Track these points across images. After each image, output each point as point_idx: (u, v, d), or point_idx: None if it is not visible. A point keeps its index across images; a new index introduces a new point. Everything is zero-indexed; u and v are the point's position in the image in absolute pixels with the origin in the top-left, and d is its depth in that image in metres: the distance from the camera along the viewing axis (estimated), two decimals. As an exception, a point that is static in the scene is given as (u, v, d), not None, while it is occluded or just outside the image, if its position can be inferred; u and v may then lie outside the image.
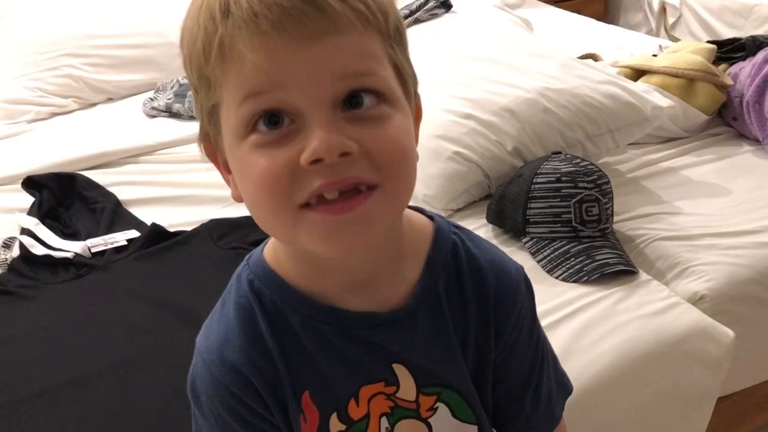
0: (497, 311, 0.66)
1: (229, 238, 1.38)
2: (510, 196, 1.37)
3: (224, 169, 0.59)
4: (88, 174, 1.62)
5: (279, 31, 0.49)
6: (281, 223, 0.54)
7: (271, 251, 0.64)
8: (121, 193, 1.55)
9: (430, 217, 0.67)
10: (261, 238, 1.37)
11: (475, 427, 0.69)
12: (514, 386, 0.70)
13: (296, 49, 0.49)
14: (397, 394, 0.64)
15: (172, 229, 1.41)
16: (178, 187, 1.59)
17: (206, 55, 0.52)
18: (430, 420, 0.66)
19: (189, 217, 1.45)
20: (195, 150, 1.75)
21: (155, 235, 1.38)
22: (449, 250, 0.65)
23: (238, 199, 0.58)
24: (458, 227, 0.68)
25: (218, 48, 0.51)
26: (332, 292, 0.61)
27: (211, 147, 0.59)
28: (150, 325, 1.16)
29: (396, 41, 0.55)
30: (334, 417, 0.63)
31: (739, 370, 1.30)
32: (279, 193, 0.51)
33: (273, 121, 0.51)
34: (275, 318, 0.61)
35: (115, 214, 1.48)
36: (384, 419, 0.65)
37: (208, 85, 0.54)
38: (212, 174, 1.70)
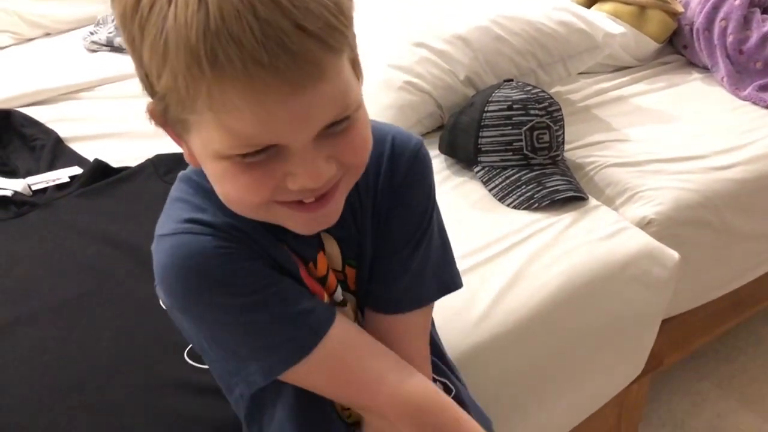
0: (396, 186, 0.70)
1: (176, 172, 1.33)
2: (462, 126, 1.36)
3: (176, 136, 0.58)
4: (25, 111, 1.55)
5: (269, 85, 0.49)
6: (252, 212, 0.59)
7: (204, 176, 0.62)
8: (62, 130, 1.49)
9: None
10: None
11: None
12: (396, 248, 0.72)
13: (286, 101, 0.51)
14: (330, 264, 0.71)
15: (116, 165, 1.36)
16: (122, 123, 1.54)
17: (187, 84, 0.50)
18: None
19: (133, 153, 1.40)
20: (138, 85, 1.70)
21: (99, 171, 1.34)
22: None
23: (195, 164, 0.59)
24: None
25: (205, 92, 0.50)
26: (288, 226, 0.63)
27: (161, 115, 0.57)
28: (95, 261, 1.13)
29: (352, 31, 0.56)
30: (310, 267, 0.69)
31: (683, 292, 1.33)
32: (256, 200, 0.57)
33: (257, 152, 0.54)
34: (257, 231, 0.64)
35: (56, 151, 1.42)
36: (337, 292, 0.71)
37: (181, 95, 0.51)
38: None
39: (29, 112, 1.54)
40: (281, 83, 0.49)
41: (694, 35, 1.73)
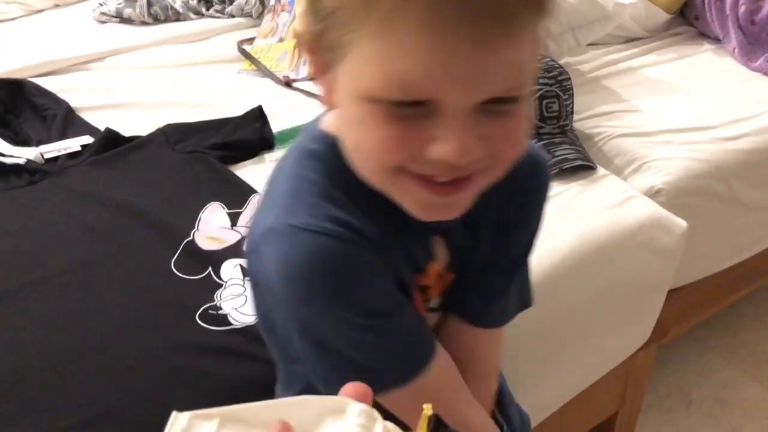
0: (523, 202, 0.68)
1: (187, 142, 1.35)
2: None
3: (320, 67, 0.53)
4: (36, 82, 1.55)
5: (454, 30, 0.44)
6: (378, 175, 0.53)
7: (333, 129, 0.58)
8: (73, 100, 1.49)
9: None
10: (219, 142, 1.36)
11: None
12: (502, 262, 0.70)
13: (466, 51, 0.45)
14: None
15: (127, 135, 1.37)
16: (132, 93, 1.54)
17: (357, 11, 0.46)
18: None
19: (143, 123, 1.41)
20: (148, 56, 1.71)
21: (110, 140, 1.35)
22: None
23: (331, 105, 0.54)
24: None
25: (383, 14, 0.45)
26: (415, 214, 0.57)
27: (312, 40, 0.52)
28: (108, 228, 1.15)
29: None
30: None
31: (690, 263, 1.34)
32: (390, 160, 0.50)
33: (410, 104, 0.48)
34: (366, 214, 0.58)
35: (67, 121, 1.43)
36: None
37: (352, 12, 0.47)
38: (166, 79, 1.66)
39: (40, 82, 1.55)
40: (468, 30, 0.44)
41: (706, 6, 1.72)
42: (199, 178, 1.26)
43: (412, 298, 0.64)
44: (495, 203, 0.64)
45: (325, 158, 0.58)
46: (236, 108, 1.45)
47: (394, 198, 0.54)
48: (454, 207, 0.54)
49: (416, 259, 0.64)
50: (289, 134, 1.39)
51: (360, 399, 0.35)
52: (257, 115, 1.42)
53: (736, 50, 1.66)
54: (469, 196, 0.54)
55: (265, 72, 1.62)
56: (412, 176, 0.51)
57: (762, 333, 1.77)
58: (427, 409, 0.32)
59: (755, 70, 1.62)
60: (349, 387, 0.36)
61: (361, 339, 0.59)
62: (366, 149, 0.51)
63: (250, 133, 1.37)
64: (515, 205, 0.67)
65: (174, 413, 0.32)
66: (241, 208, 1.18)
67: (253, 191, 1.21)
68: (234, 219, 1.16)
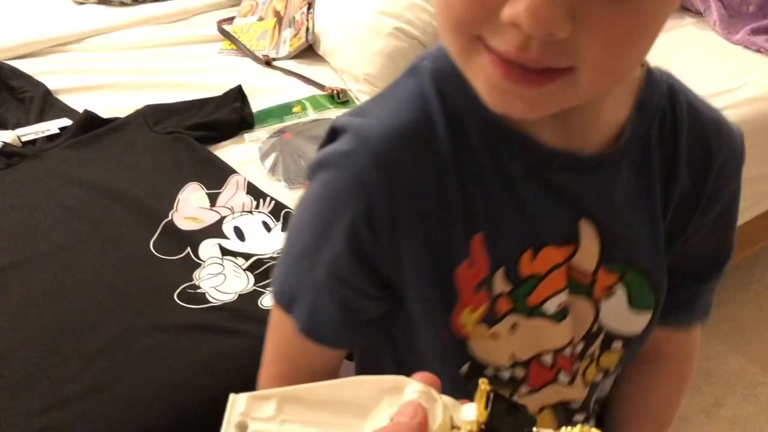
0: (716, 179, 0.53)
1: (166, 123, 1.34)
2: (451, 72, 1.35)
3: None
4: (13, 64, 1.54)
5: None
6: (456, 47, 0.42)
7: None
8: (50, 83, 1.48)
9: None
10: (199, 122, 1.35)
11: (648, 315, 0.56)
12: (683, 273, 0.58)
13: None
14: (575, 261, 0.52)
15: (105, 117, 1.36)
16: (111, 75, 1.53)
17: None
18: (601, 302, 0.54)
19: (122, 105, 1.40)
20: (127, 37, 1.69)
21: (88, 122, 1.34)
22: (665, 94, 0.51)
23: None
24: (671, 75, 0.54)
25: None
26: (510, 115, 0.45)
27: None
28: (87, 210, 1.14)
29: None
30: (500, 273, 0.50)
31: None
32: (464, 18, 0.40)
33: None
34: (457, 131, 0.48)
35: (45, 103, 1.42)
36: (562, 295, 0.52)
37: None
38: (145, 60, 1.65)
39: (17, 64, 1.53)
40: None
41: (688, -21, 1.72)
42: (178, 158, 1.25)
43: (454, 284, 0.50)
44: (682, 169, 0.52)
45: (437, 78, 0.48)
46: (216, 88, 1.44)
47: (473, 83, 0.42)
48: (532, 103, 0.41)
49: (519, 236, 0.50)
50: (269, 114, 1.39)
51: (428, 382, 0.33)
52: (237, 94, 1.41)
53: (717, 23, 1.66)
54: (556, 97, 0.40)
55: (245, 51, 1.61)
56: (486, 50, 0.40)
57: (745, 307, 1.79)
58: (484, 384, 0.31)
59: (736, 43, 1.62)
60: (419, 375, 0.34)
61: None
62: (441, 7, 0.41)
63: (230, 113, 1.36)
64: (711, 183, 0.53)
65: (232, 395, 0.32)
66: (220, 189, 1.18)
67: (232, 171, 1.21)
68: (213, 199, 1.16)
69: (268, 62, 1.56)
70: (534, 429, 0.31)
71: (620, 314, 0.55)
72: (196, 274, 1.01)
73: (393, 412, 0.30)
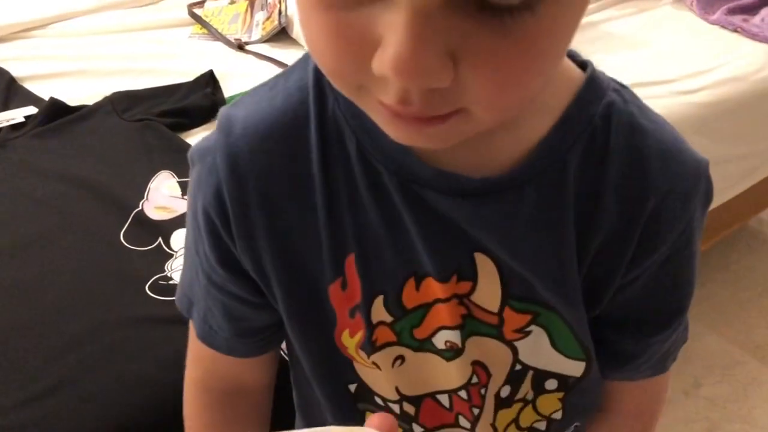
0: (652, 219, 0.44)
1: (135, 110, 1.31)
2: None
3: None
4: (-25, 51, 1.49)
5: None
6: (345, 90, 0.36)
7: None
8: (15, 70, 1.43)
9: (583, 64, 0.44)
10: (169, 109, 1.32)
11: (581, 364, 0.49)
12: (632, 322, 0.50)
13: None
14: (473, 297, 0.45)
15: (72, 104, 1.32)
16: (77, 61, 1.49)
17: None
18: (516, 343, 0.47)
19: (89, 91, 1.36)
20: (94, 21, 1.65)
21: (55, 110, 1.30)
22: (601, 111, 0.42)
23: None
24: (624, 87, 0.45)
25: None
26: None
27: None
28: (55, 201, 1.11)
29: None
30: (378, 302, 0.45)
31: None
32: (337, 69, 0.35)
33: None
34: (331, 138, 0.42)
35: (9, 91, 1.37)
36: (452, 333, 0.46)
37: None
38: (114, 46, 1.60)
39: (-21, 51, 1.49)
40: None
41: (664, -42, 1.70)
42: (148, 146, 1.22)
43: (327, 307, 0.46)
44: (608, 203, 0.43)
45: (319, 78, 0.43)
46: (187, 74, 1.41)
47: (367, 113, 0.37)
48: (433, 138, 0.35)
49: (412, 258, 0.44)
50: (241, 99, 1.36)
51: (385, 429, 0.32)
52: (208, 79, 1.38)
53: (694, 3, 1.65)
54: (455, 131, 0.35)
55: (216, 35, 1.57)
56: (375, 102, 0.34)
57: (723, 287, 1.80)
58: None
59: (713, 23, 1.61)
60: (375, 418, 0.33)
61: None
62: (312, 54, 0.36)
63: (202, 99, 1.33)
64: (646, 223, 0.44)
65: None
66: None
67: (204, 158, 1.18)
68: (185, 187, 1.13)
69: (240, 46, 1.53)
70: None
71: (543, 354, 0.48)
72: (168, 265, 0.99)
73: None
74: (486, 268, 0.44)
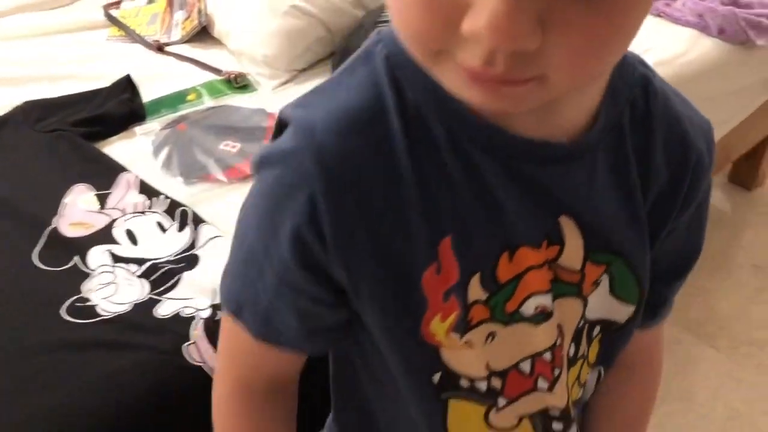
0: (693, 175, 0.51)
1: (48, 119, 1.24)
2: (353, 50, 1.29)
3: None
4: None
5: None
6: (418, 54, 0.39)
7: None
8: None
9: None
10: (86, 117, 1.26)
11: (630, 308, 0.53)
12: (660, 271, 0.55)
13: None
14: (560, 260, 0.48)
15: (-20, 115, 1.25)
16: (-16, 69, 1.41)
17: None
18: (589, 297, 0.51)
19: (1, 100, 1.29)
20: (4, 24, 1.56)
21: (-40, 123, 1.23)
22: (638, 82, 0.49)
23: None
24: (645, 62, 0.51)
25: None
26: (484, 109, 0.42)
27: None
28: (-40, 220, 1.04)
29: None
30: (475, 280, 0.46)
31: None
32: (424, 33, 0.37)
33: None
34: (415, 125, 0.43)
35: None
36: (543, 297, 0.49)
37: None
38: (25, 50, 1.51)
39: None
40: None
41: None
42: (62, 158, 1.16)
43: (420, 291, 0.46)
44: (658, 164, 0.50)
45: (392, 66, 0.44)
46: (104, 78, 1.35)
47: (441, 82, 0.39)
48: (511, 99, 0.38)
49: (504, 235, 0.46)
50: (161, 103, 1.30)
51: None
52: (126, 84, 1.32)
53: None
54: (532, 96, 0.37)
55: (134, 37, 1.51)
56: (454, 66, 0.37)
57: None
58: None
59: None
60: None
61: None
62: (397, 20, 0.38)
63: (119, 106, 1.27)
64: (690, 178, 0.51)
65: None
66: (110, 189, 1.09)
67: (122, 169, 1.13)
68: (102, 200, 1.07)
69: (159, 48, 1.47)
70: None
71: (602, 302, 0.52)
72: (85, 285, 0.94)
73: None
74: (570, 229, 0.48)
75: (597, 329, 0.54)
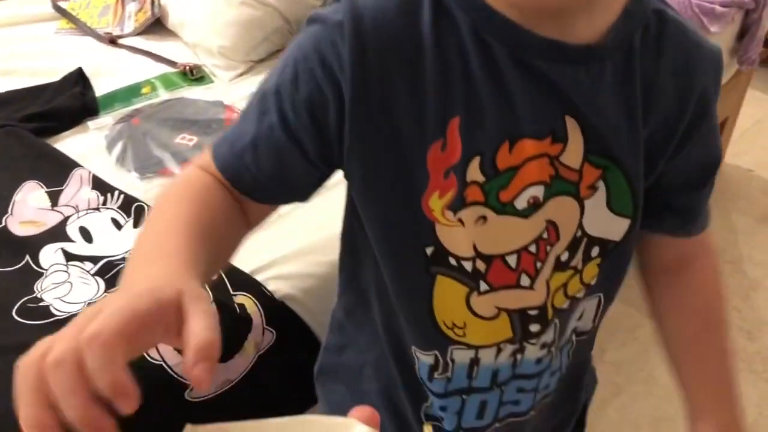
0: (700, 102, 0.55)
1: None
2: (311, 40, 1.28)
3: None
4: None
5: None
6: None
7: None
8: None
9: None
10: (36, 112, 1.21)
11: (626, 222, 0.57)
12: (677, 184, 0.60)
13: None
14: (561, 157, 0.52)
15: None
16: None
17: None
18: (586, 201, 0.54)
19: (-58, 97, 1.24)
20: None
21: None
22: (652, 8, 0.53)
23: None
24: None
25: None
26: (521, 4, 0.48)
27: None
28: None
29: None
30: (475, 163, 0.50)
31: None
32: None
33: None
34: (442, 16, 0.49)
35: None
36: (537, 188, 0.52)
37: None
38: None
39: None
40: None
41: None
42: (11, 155, 1.12)
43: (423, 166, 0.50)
44: (667, 88, 0.53)
45: None
46: (53, 72, 1.31)
47: None
48: None
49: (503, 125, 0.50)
50: (114, 97, 1.27)
51: (367, 422, 0.32)
52: (77, 78, 1.29)
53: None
54: None
55: (85, 30, 1.47)
56: None
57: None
58: (428, 428, 0.33)
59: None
60: (357, 410, 0.33)
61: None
62: None
63: (70, 100, 1.23)
64: (695, 105, 0.55)
65: (188, 426, 0.32)
66: (62, 185, 1.06)
67: (75, 165, 1.09)
68: (54, 198, 1.04)
69: (112, 40, 1.43)
70: None
71: (599, 216, 0.55)
72: (38, 285, 0.90)
73: None
74: (573, 129, 0.51)
75: (596, 250, 0.57)
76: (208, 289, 0.75)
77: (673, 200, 0.61)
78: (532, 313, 0.57)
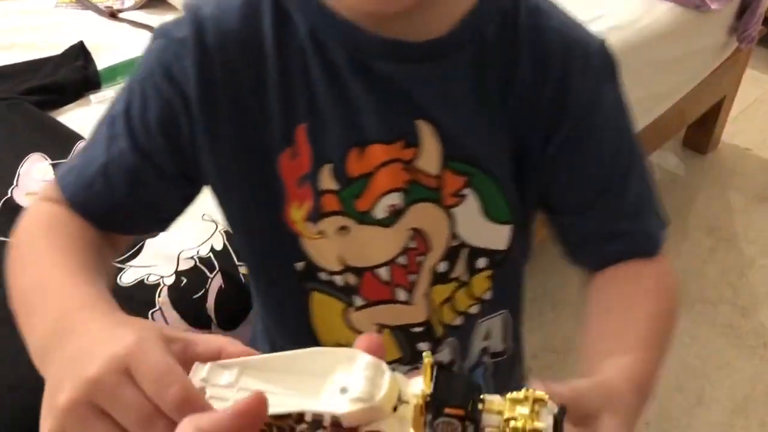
0: (559, 88, 0.50)
1: (-2, 88, 1.20)
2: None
3: None
4: None
5: None
6: None
7: None
8: None
9: None
10: (37, 86, 1.22)
11: (506, 229, 0.54)
12: (586, 193, 0.54)
13: None
14: (417, 163, 0.50)
15: (-77, 86, 1.20)
16: None
17: None
18: (453, 210, 0.52)
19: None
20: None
21: None
22: None
23: None
24: None
25: None
26: (357, 7, 0.46)
27: None
28: None
29: None
30: (327, 170, 0.49)
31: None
32: None
33: None
34: (283, 20, 0.48)
35: None
36: (394, 196, 0.50)
37: None
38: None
39: None
40: None
41: None
42: (15, 128, 1.12)
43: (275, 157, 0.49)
44: (524, 71, 0.50)
45: None
46: (55, 46, 1.31)
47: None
48: None
49: (359, 126, 0.49)
50: (116, 70, 1.27)
51: (371, 351, 0.33)
52: (78, 51, 1.29)
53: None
54: None
55: (85, 3, 1.46)
56: None
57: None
58: (428, 356, 0.31)
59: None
60: (363, 339, 0.34)
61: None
62: None
63: (72, 73, 1.23)
64: (549, 85, 0.50)
65: (196, 364, 0.34)
66: (66, 158, 1.06)
67: (78, 137, 1.10)
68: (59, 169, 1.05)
69: (113, 14, 1.43)
70: (482, 396, 0.31)
71: (477, 224, 0.53)
72: (44, 254, 0.91)
73: (345, 380, 0.32)
74: (427, 133, 0.49)
75: (484, 261, 0.54)
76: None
77: (573, 226, 0.55)
78: (417, 330, 0.56)
